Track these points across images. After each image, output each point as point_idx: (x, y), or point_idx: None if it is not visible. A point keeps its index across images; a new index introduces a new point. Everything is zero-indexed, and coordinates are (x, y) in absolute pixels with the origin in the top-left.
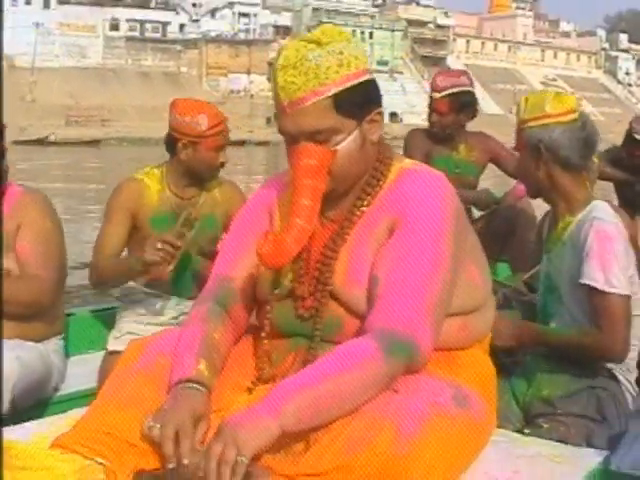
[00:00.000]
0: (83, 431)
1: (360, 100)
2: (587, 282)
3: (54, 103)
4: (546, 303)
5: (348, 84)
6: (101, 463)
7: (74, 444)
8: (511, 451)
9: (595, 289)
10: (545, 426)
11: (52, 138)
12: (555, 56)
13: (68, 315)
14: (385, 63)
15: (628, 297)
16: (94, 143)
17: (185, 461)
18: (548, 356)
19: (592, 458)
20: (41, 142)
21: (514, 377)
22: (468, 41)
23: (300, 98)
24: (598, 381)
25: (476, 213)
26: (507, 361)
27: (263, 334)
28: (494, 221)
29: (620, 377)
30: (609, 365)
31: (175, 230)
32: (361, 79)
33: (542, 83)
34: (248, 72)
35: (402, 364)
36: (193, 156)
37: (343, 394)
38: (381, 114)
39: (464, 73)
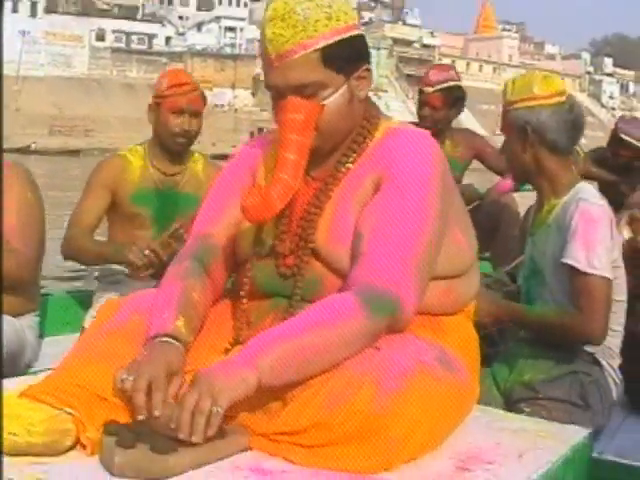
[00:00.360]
0: (53, 383)
1: (348, 55)
2: (569, 262)
3: (38, 112)
4: (529, 287)
5: (337, 38)
6: (70, 413)
7: (43, 394)
8: (494, 425)
9: (576, 270)
10: (527, 410)
11: (33, 147)
12: None
13: (44, 295)
14: None
15: (609, 280)
16: (75, 153)
17: (156, 413)
18: (531, 341)
19: (576, 434)
20: (23, 151)
21: (496, 363)
22: (453, 61)
23: (288, 51)
24: (581, 366)
25: None
26: (490, 351)
27: (242, 293)
28: (477, 216)
29: (603, 363)
30: (592, 350)
31: (162, 239)
32: (349, 34)
33: None
34: (233, 86)
35: (384, 321)
36: (156, 119)
37: (323, 348)
38: (369, 71)
39: (453, 67)
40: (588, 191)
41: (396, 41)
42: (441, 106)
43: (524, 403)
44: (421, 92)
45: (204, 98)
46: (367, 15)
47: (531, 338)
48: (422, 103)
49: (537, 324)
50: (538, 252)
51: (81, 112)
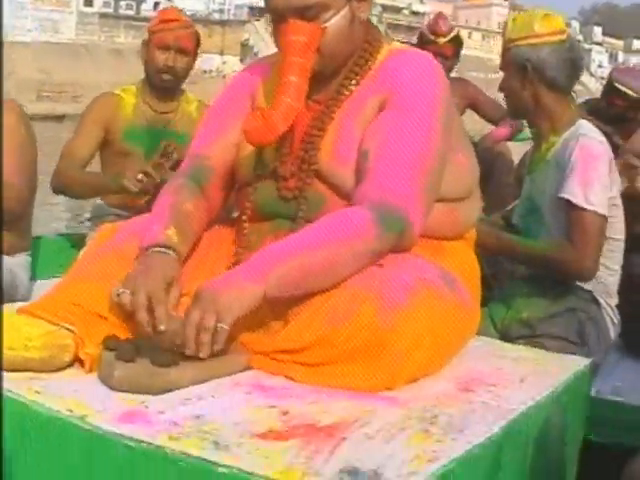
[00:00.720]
0: (50, 300)
1: None
2: (566, 196)
3: (26, 78)
4: (527, 226)
5: None
6: (68, 329)
7: (41, 311)
8: (494, 353)
9: (573, 204)
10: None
11: None
12: None
13: (36, 238)
14: None
15: (604, 217)
16: (60, 118)
17: (162, 327)
18: (528, 279)
19: (577, 362)
20: None
21: (492, 302)
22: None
23: None
24: (579, 304)
25: None
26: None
27: (244, 217)
28: None
29: (601, 301)
30: (590, 288)
31: (154, 161)
32: None
33: None
34: (221, 53)
35: (394, 239)
36: (146, 55)
37: (332, 263)
38: None
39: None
40: (589, 127)
41: (385, 8)
42: (452, 55)
43: (521, 340)
44: (431, 42)
45: (196, 37)
46: None
47: (528, 275)
48: (432, 53)
49: (528, 255)
50: (537, 190)
51: (69, 78)
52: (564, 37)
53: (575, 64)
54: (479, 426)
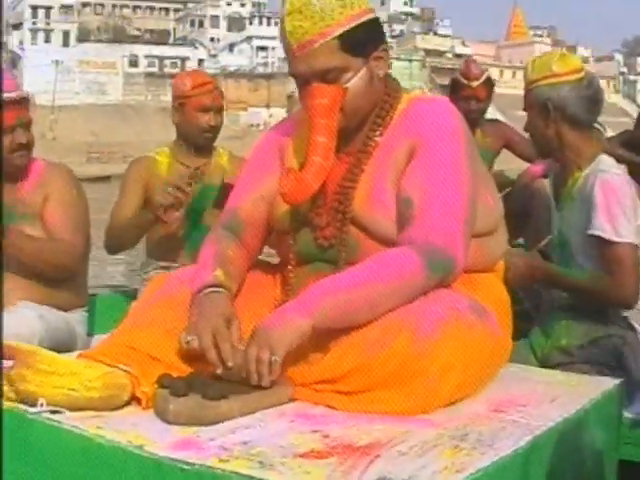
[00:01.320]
0: (107, 346)
1: (365, 38)
2: (596, 233)
3: (75, 140)
4: (559, 259)
5: (352, 24)
6: (125, 370)
7: (98, 355)
8: (529, 378)
9: (604, 239)
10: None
11: None
12: None
13: (91, 296)
14: None
15: (636, 246)
16: (106, 179)
17: (229, 364)
18: (566, 309)
19: (607, 382)
20: None
21: (532, 333)
22: (486, 69)
23: (308, 41)
24: (616, 330)
25: None
26: (525, 325)
27: (286, 263)
28: (509, 203)
29: (637, 327)
30: (626, 314)
31: (184, 180)
32: (364, 18)
33: None
34: (267, 106)
35: (441, 278)
36: (182, 118)
37: (377, 301)
38: (386, 50)
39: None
40: (607, 162)
41: (428, 52)
42: (485, 97)
43: (561, 367)
44: (464, 86)
45: (222, 94)
46: (398, 28)
47: (566, 305)
48: (467, 97)
49: (570, 285)
50: (566, 225)
51: (118, 138)
52: (581, 75)
53: (594, 100)
54: (507, 441)
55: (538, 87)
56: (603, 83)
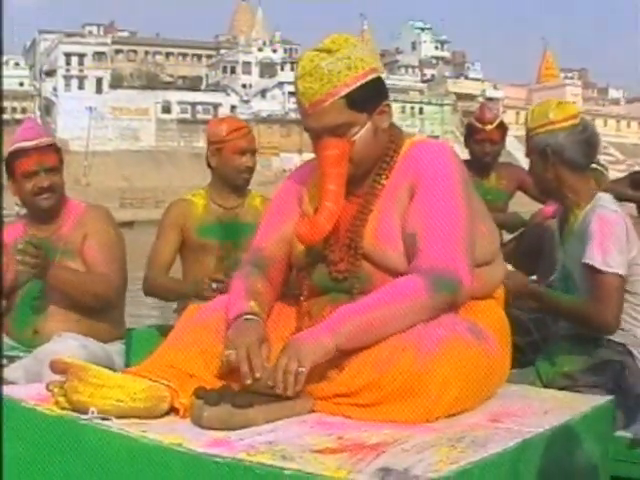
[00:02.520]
0: (150, 364)
1: (369, 96)
2: (587, 261)
3: (108, 186)
4: (563, 290)
5: (357, 84)
6: (166, 384)
7: (142, 371)
8: (528, 395)
9: (593, 267)
10: None
11: None
12: (605, 124)
13: (129, 330)
14: (435, 137)
15: (622, 277)
16: (129, 224)
17: (257, 375)
18: (569, 338)
19: (598, 399)
20: None
21: (538, 362)
22: (518, 112)
23: (318, 100)
24: (615, 356)
25: (506, 237)
26: (524, 340)
27: (302, 296)
28: (523, 241)
29: (634, 352)
30: (623, 341)
31: (223, 270)
32: (368, 78)
33: None
34: (300, 151)
35: (447, 298)
36: (220, 161)
37: (391, 320)
38: (389, 105)
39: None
40: (605, 199)
41: (459, 96)
42: (499, 140)
43: (564, 391)
44: (479, 130)
45: (255, 137)
46: (429, 72)
47: (569, 335)
48: (481, 140)
49: (556, 306)
50: (569, 259)
51: (150, 184)
52: (577, 121)
53: (590, 144)
54: (498, 443)
55: (537, 134)
56: (634, 124)
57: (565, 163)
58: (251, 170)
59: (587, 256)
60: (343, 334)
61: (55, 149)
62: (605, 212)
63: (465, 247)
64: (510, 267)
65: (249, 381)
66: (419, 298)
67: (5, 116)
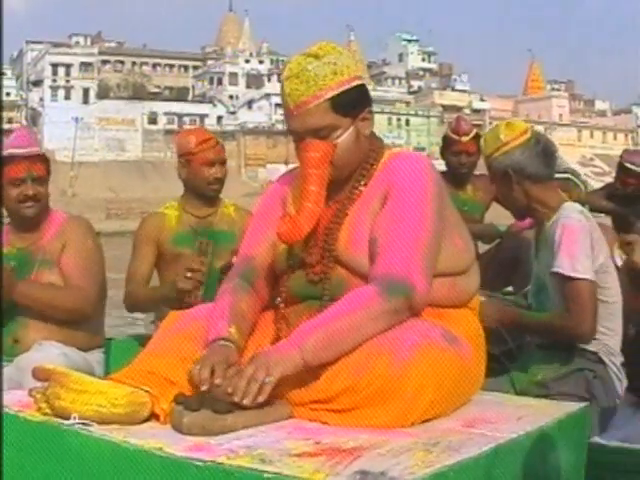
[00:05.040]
0: (131, 370)
1: (353, 101)
2: (556, 270)
3: (95, 197)
4: (538, 302)
5: (342, 88)
6: (146, 391)
7: (123, 378)
8: (501, 402)
9: (563, 275)
10: None
11: None
12: (592, 135)
13: (108, 339)
14: (422, 149)
15: (592, 282)
16: (121, 234)
17: (217, 381)
18: (541, 346)
19: (572, 405)
20: None
21: (512, 370)
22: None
23: (303, 102)
24: (586, 364)
25: (482, 247)
26: (498, 351)
27: (280, 299)
28: (499, 253)
29: (606, 360)
30: (595, 350)
31: (195, 258)
32: (353, 84)
33: (579, 163)
34: (286, 162)
35: (401, 301)
36: (189, 173)
37: (352, 329)
38: (371, 112)
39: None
40: (570, 208)
41: (446, 108)
42: (475, 151)
43: (539, 399)
44: (455, 142)
45: (224, 147)
46: (416, 84)
47: (542, 343)
48: (458, 152)
49: (534, 326)
50: (541, 269)
51: (136, 195)
52: (528, 135)
53: (547, 153)
54: (472, 448)
55: (495, 159)
56: (621, 136)
57: (528, 178)
58: (220, 181)
59: (555, 265)
60: (309, 349)
61: (44, 159)
62: (568, 221)
63: (423, 254)
64: (481, 297)
65: (205, 387)
66: (374, 305)
67: None
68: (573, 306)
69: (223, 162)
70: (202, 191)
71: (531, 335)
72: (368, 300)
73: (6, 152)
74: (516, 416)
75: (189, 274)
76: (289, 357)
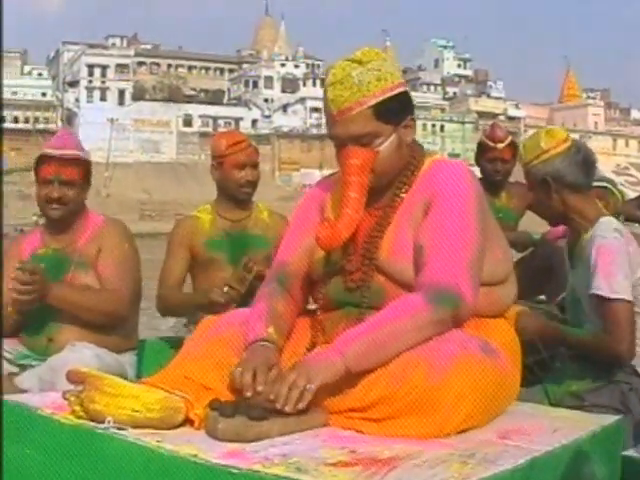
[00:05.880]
0: (165, 375)
1: (396, 108)
2: (594, 291)
3: (129, 198)
4: (573, 315)
5: (386, 96)
6: (181, 396)
7: (158, 382)
8: (537, 413)
9: (601, 297)
10: None
11: None
12: (627, 144)
13: (141, 341)
14: (457, 156)
15: (630, 302)
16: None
17: (259, 388)
18: (577, 358)
19: (607, 418)
20: None
21: (546, 381)
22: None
23: (346, 108)
24: (622, 377)
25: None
26: (531, 361)
27: (318, 308)
28: (532, 261)
29: None
30: (632, 362)
31: (237, 274)
32: (396, 91)
33: (614, 172)
34: (320, 167)
35: (449, 312)
36: (221, 175)
37: (396, 337)
38: (414, 120)
39: None
40: (605, 227)
41: (481, 114)
42: (510, 159)
43: (573, 410)
44: (490, 149)
45: (257, 150)
46: (451, 90)
47: (578, 355)
48: (493, 159)
49: (574, 344)
50: (577, 283)
51: (170, 197)
52: (569, 144)
53: (587, 162)
54: (509, 460)
55: (534, 166)
56: None
57: (567, 187)
58: (252, 184)
59: (594, 286)
60: (351, 356)
61: (78, 163)
62: (603, 242)
63: (469, 263)
64: (521, 307)
65: (249, 393)
66: (420, 314)
67: (27, 126)
68: (611, 327)
69: (255, 165)
70: (233, 194)
71: (571, 349)
72: (415, 309)
73: (41, 151)
74: (551, 428)
75: (226, 289)
76: (331, 364)
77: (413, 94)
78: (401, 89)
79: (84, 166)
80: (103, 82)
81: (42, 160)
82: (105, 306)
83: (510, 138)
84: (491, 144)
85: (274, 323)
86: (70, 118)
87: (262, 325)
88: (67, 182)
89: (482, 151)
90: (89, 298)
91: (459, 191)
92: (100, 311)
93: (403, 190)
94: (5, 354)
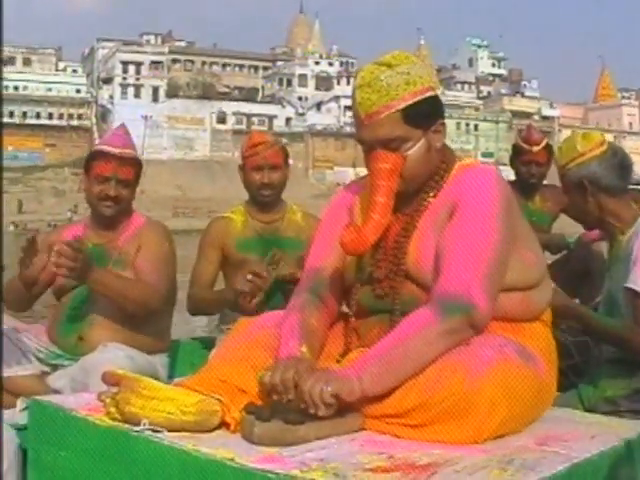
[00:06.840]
0: (201, 378)
1: (425, 113)
2: (629, 285)
3: (162, 195)
4: (608, 316)
5: (415, 99)
6: (217, 399)
7: (193, 385)
8: (573, 419)
9: (635, 291)
10: None
11: None
12: None
13: (174, 341)
14: (490, 155)
15: None
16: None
17: (290, 396)
18: (611, 362)
19: None
20: None
21: (581, 385)
22: (574, 131)
23: (375, 112)
24: None
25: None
26: (565, 366)
27: (351, 314)
28: (569, 264)
29: None
30: None
31: (263, 266)
32: (425, 95)
33: None
34: (354, 165)
35: (458, 320)
36: (243, 177)
37: (409, 357)
38: (444, 125)
39: None
40: None
41: (515, 114)
42: (546, 162)
43: (609, 416)
44: (525, 151)
45: (283, 152)
46: (486, 89)
47: (613, 359)
48: (528, 161)
49: (600, 330)
50: (614, 285)
51: (203, 194)
52: (605, 147)
53: (623, 166)
54: (547, 467)
55: (570, 169)
56: None
57: (603, 190)
58: (268, 186)
59: (630, 280)
60: (366, 379)
61: (134, 164)
62: None
63: (485, 271)
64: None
65: (291, 396)
66: (429, 327)
67: (62, 122)
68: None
69: (274, 167)
70: (253, 195)
71: (595, 339)
72: (422, 325)
73: (99, 147)
74: (588, 434)
75: (250, 277)
76: (348, 381)
77: (447, 93)
78: (431, 93)
79: (139, 166)
80: (137, 79)
81: (98, 156)
82: (140, 295)
83: (546, 141)
84: (526, 147)
85: (307, 342)
86: (104, 115)
87: (295, 343)
88: (124, 181)
89: (517, 153)
90: (125, 285)
91: (483, 197)
92: (134, 300)
93: (431, 195)
94: (37, 353)
